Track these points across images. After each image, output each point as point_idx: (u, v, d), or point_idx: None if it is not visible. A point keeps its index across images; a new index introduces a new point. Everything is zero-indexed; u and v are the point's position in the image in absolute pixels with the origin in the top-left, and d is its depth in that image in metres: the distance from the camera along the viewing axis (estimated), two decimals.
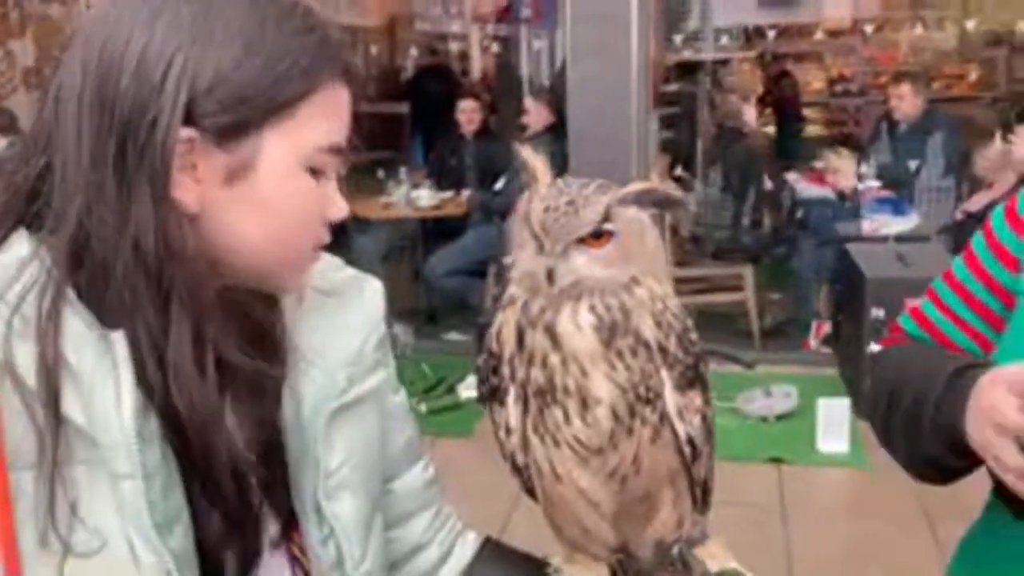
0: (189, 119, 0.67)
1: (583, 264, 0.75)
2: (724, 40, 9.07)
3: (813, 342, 4.81)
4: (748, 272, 4.96)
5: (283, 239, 0.73)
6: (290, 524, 0.78)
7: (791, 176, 5.57)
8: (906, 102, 5.28)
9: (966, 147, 5.36)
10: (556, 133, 4.99)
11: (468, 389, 4.08)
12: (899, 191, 5.06)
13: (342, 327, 0.81)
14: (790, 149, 5.99)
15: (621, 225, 0.76)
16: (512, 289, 0.79)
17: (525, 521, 0.95)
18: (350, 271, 0.87)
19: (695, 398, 0.80)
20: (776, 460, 3.52)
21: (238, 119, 0.68)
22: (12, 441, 0.65)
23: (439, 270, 5.24)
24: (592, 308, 0.75)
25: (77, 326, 0.67)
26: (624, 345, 0.75)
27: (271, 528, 0.77)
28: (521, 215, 0.78)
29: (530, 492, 0.86)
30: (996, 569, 1.03)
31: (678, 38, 8.36)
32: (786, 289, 5.41)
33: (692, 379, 0.79)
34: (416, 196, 5.56)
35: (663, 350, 0.77)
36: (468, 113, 5.89)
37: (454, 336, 5.05)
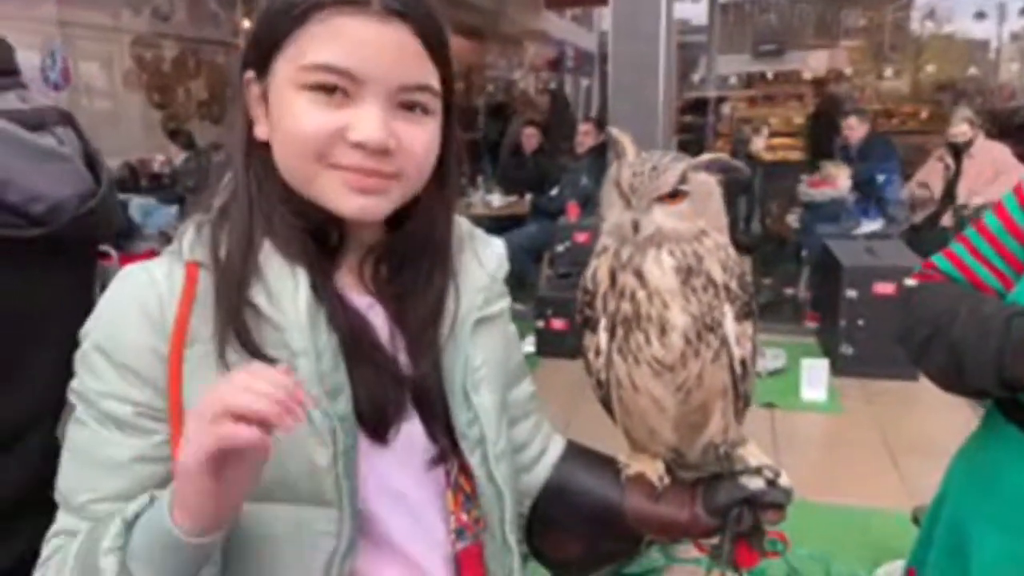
0: (247, 64, 0.69)
1: (662, 217, 0.71)
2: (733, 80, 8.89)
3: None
4: (746, 262, 4.85)
5: (297, 154, 0.66)
6: (444, 417, 0.75)
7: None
8: (855, 131, 5.11)
9: (910, 170, 5.16)
10: (599, 153, 4.92)
11: (527, 346, 4.08)
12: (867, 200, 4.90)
13: (481, 260, 0.80)
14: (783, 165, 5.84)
15: (693, 187, 0.72)
16: (603, 240, 0.76)
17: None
18: None
19: (748, 328, 0.75)
20: (770, 405, 3.44)
21: (261, 52, 0.67)
22: (197, 320, 0.65)
23: (509, 246, 5.23)
24: (671, 253, 0.71)
25: (268, 246, 0.68)
26: (697, 283, 0.71)
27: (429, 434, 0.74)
28: (612, 179, 0.75)
29: (605, 403, 0.82)
30: (992, 471, 1.00)
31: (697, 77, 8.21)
32: (775, 275, 5.29)
33: (747, 313, 0.75)
34: (489, 199, 5.57)
35: (727, 288, 0.73)
36: (529, 137, 5.86)
37: (516, 307, 5.00)
